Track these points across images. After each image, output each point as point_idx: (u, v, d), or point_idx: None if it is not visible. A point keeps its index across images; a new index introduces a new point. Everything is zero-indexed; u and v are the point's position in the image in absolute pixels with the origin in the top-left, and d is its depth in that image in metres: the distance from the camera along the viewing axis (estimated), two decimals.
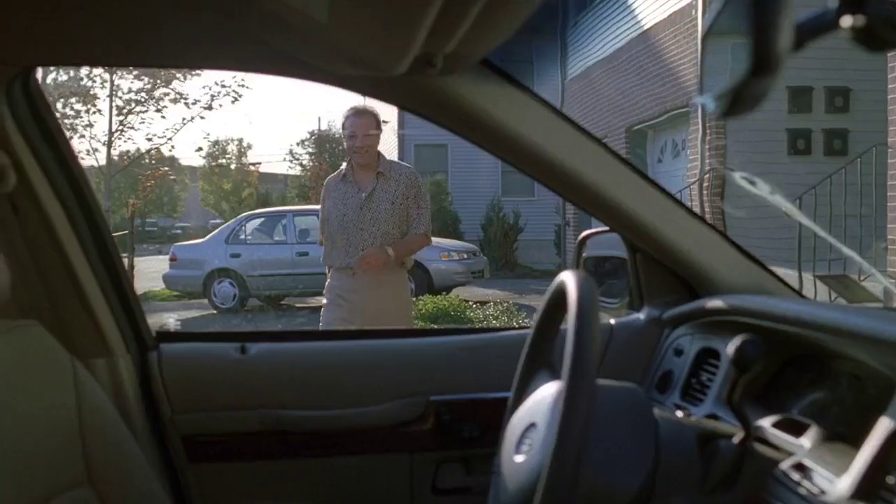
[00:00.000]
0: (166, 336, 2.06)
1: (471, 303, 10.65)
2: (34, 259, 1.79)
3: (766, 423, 1.33)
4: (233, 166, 33.44)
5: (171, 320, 11.81)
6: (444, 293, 11.70)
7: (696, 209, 9.55)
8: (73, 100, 18.79)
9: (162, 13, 1.43)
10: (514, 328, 2.15)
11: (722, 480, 1.21)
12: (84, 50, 1.67)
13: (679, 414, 1.40)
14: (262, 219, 14.15)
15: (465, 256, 13.95)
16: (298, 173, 30.36)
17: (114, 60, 2.20)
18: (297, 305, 13.34)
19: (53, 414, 1.50)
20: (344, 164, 4.22)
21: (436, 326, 8.62)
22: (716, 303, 1.67)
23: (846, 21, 0.65)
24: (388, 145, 23.69)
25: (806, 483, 1.14)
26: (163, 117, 20.51)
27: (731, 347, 1.14)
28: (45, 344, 1.54)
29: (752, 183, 1.69)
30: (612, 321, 1.97)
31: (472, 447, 1.97)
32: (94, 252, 1.88)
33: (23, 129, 1.73)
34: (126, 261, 10.20)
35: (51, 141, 1.80)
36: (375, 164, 4.09)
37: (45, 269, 1.80)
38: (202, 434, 1.96)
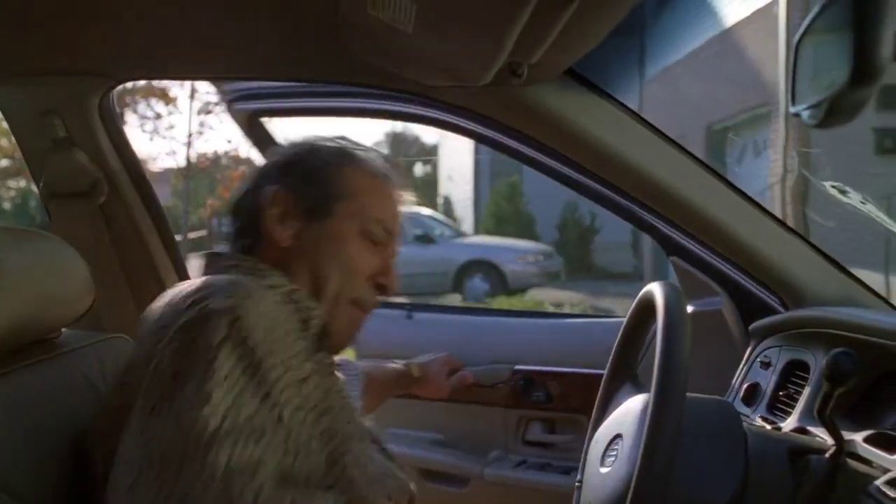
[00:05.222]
0: None
1: (546, 304, 10.61)
2: (124, 268, 1.83)
3: (857, 437, 1.30)
4: None
5: None
6: (520, 294, 11.71)
7: (778, 212, 9.35)
8: (153, 100, 19.22)
9: (247, 27, 1.46)
10: (592, 316, 2.61)
11: (814, 496, 1.17)
12: (175, 64, 1.71)
13: (767, 427, 1.37)
14: None
15: (541, 258, 13.90)
16: None
17: (203, 74, 2.24)
18: None
19: None
20: None
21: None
22: (807, 315, 1.63)
23: None
24: (463, 146, 23.69)
25: None
26: None
27: (825, 360, 1.11)
28: None
29: (843, 192, 1.64)
30: None
31: (542, 409, 2.36)
32: (179, 260, 1.92)
33: (114, 140, 1.78)
34: None
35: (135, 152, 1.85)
36: None
37: (134, 278, 1.85)
38: None
